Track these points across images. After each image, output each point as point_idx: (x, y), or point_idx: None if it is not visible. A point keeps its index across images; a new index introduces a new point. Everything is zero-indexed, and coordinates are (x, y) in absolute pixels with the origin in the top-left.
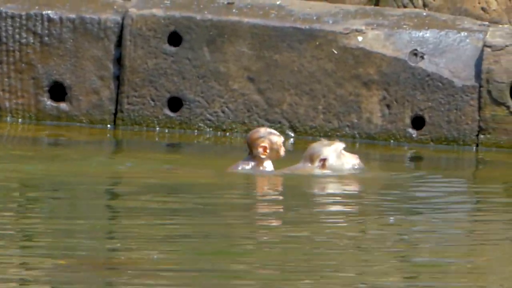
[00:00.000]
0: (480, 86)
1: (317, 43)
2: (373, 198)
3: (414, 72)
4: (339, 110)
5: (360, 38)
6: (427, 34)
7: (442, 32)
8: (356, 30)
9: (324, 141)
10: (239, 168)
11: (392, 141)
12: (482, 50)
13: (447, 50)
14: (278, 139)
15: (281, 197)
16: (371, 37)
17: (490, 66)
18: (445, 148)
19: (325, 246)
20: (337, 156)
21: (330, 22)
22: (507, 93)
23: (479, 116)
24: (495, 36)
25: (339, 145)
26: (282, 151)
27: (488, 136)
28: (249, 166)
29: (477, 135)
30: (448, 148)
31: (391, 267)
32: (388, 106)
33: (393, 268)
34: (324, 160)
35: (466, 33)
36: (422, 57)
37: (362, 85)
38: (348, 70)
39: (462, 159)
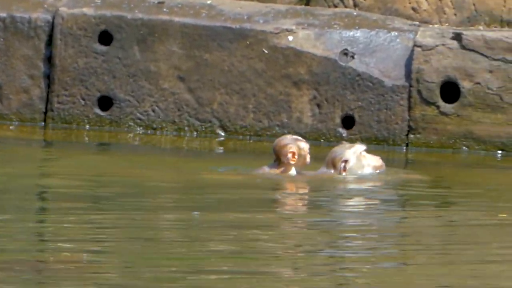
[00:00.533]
0: (410, 86)
1: (248, 42)
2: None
3: (345, 71)
4: (270, 110)
5: (290, 38)
6: (358, 33)
7: (373, 32)
8: (287, 30)
9: (346, 144)
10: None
11: (322, 140)
12: (413, 50)
13: (378, 49)
14: (305, 145)
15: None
16: (301, 37)
17: (420, 65)
18: (375, 148)
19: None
20: (357, 158)
21: (261, 21)
22: (437, 92)
23: (409, 115)
24: (426, 36)
25: (359, 147)
26: (308, 158)
27: (418, 135)
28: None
29: (407, 135)
30: (378, 148)
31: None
32: (318, 105)
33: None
34: (345, 161)
35: (396, 33)
36: (352, 57)
37: (293, 84)
38: (278, 70)
39: (392, 159)
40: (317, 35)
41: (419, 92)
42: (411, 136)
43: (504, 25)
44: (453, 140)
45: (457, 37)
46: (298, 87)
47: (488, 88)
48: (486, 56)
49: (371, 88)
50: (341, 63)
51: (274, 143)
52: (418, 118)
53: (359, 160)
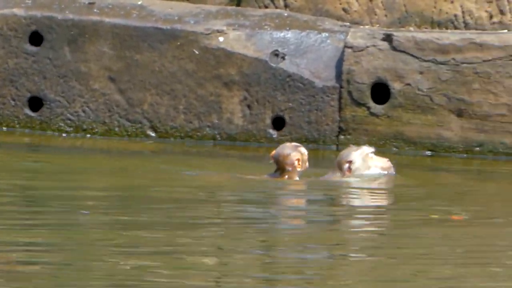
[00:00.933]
0: (341, 87)
1: (178, 43)
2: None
3: (275, 72)
4: (200, 110)
5: (221, 39)
6: (288, 34)
7: (303, 33)
8: (217, 31)
9: (353, 147)
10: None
11: (252, 141)
12: (343, 51)
13: (308, 50)
14: (305, 150)
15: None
16: (232, 38)
17: (351, 67)
18: (306, 148)
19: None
20: (363, 159)
21: (192, 22)
22: (368, 93)
23: (340, 116)
24: (356, 37)
25: (365, 149)
26: (307, 163)
27: (349, 136)
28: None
29: (338, 136)
30: (309, 148)
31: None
32: (249, 106)
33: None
34: (349, 162)
35: (327, 34)
36: (283, 58)
37: (223, 85)
38: (209, 71)
39: (323, 160)
40: (248, 36)
41: (349, 93)
42: (342, 137)
43: (434, 26)
44: (383, 141)
45: (388, 38)
46: (229, 88)
47: (419, 89)
48: (416, 57)
49: (302, 89)
50: (272, 64)
51: (276, 154)
52: (348, 119)
53: (365, 161)
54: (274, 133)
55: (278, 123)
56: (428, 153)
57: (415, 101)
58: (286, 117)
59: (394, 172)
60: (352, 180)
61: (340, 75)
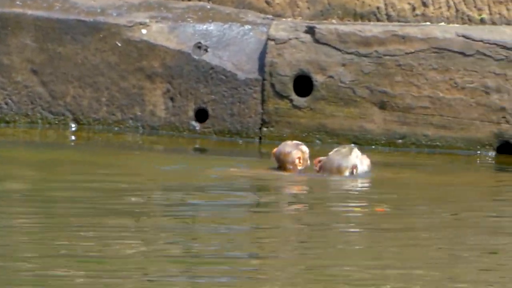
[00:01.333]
0: (264, 79)
1: (101, 35)
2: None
3: (198, 65)
4: (123, 103)
5: (144, 31)
6: (211, 27)
7: (226, 25)
8: (140, 23)
9: (341, 149)
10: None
11: (175, 133)
12: (266, 43)
13: (231, 43)
14: (306, 148)
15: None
16: (155, 30)
17: (274, 59)
18: (229, 141)
19: None
20: (360, 161)
21: (114, 14)
22: (291, 86)
23: (262, 109)
24: (279, 29)
25: (357, 151)
26: (308, 161)
27: (271, 129)
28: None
29: (260, 128)
30: (232, 141)
31: None
32: (171, 99)
33: None
34: (355, 167)
35: (250, 26)
36: (205, 50)
37: (146, 77)
38: (132, 63)
39: (245, 153)
40: (171, 29)
41: (272, 85)
42: (264, 129)
43: (357, 19)
44: (306, 134)
45: (310, 30)
46: (152, 80)
47: (341, 82)
48: (339, 50)
49: (224, 81)
50: (195, 57)
51: (277, 152)
52: (271, 111)
53: (362, 163)
54: (197, 125)
55: (201, 115)
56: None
57: (338, 94)
58: (209, 110)
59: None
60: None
61: (262, 68)
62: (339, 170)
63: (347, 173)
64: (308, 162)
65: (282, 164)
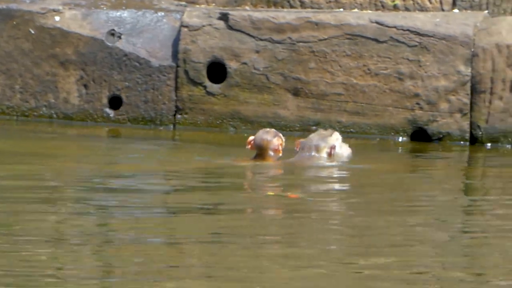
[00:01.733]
0: (177, 66)
1: (14, 22)
2: None
3: (112, 52)
4: (36, 90)
5: (57, 18)
6: (125, 14)
7: (140, 12)
8: (53, 10)
9: (322, 131)
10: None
11: (89, 121)
12: (179, 30)
13: (144, 30)
14: (281, 136)
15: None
16: (68, 17)
17: (187, 46)
18: (143, 128)
19: None
20: (339, 144)
21: (27, 1)
22: (204, 73)
23: (176, 96)
24: (192, 16)
25: (338, 135)
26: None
27: (185, 116)
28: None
29: (174, 115)
30: (146, 128)
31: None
32: (85, 86)
33: None
34: (333, 148)
35: (163, 13)
36: (119, 37)
37: (59, 65)
38: (45, 50)
39: (160, 140)
40: (84, 15)
41: (186, 72)
42: (179, 116)
43: (270, 5)
44: (220, 120)
45: (224, 17)
46: (65, 67)
47: (255, 69)
48: (252, 36)
49: (138, 68)
50: (108, 44)
51: (259, 139)
52: (185, 98)
53: (340, 147)
54: (111, 112)
55: (115, 102)
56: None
57: (252, 80)
58: (123, 97)
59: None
60: (335, 164)
61: (176, 55)
62: (317, 149)
63: (324, 153)
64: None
65: (263, 151)
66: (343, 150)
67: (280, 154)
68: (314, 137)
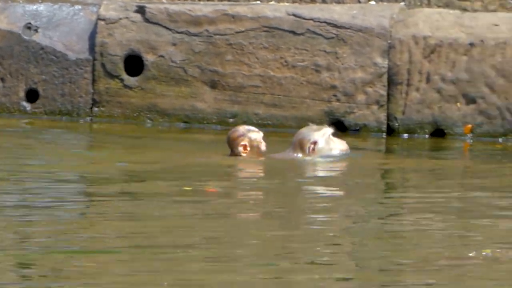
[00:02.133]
0: (94, 59)
1: None
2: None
3: (28, 45)
4: None
5: None
6: (41, 7)
7: (56, 6)
8: None
9: (313, 126)
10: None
11: (6, 114)
12: (96, 24)
13: (61, 23)
14: (257, 135)
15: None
16: None
17: (104, 39)
18: (60, 120)
19: None
20: (326, 140)
21: None
22: (121, 66)
23: (93, 89)
24: (109, 9)
25: (327, 130)
26: (262, 147)
27: (102, 109)
28: None
29: (91, 108)
30: (63, 121)
31: None
32: (2, 79)
33: None
34: (314, 143)
35: (80, 7)
36: (36, 31)
37: None
38: None
39: (76, 133)
40: (1, 9)
41: (103, 65)
42: (96, 109)
43: None
44: (137, 113)
45: (141, 10)
46: None
47: (172, 61)
48: (169, 29)
49: (55, 61)
50: (25, 37)
51: (228, 135)
52: (102, 91)
53: (328, 143)
54: (27, 105)
55: (32, 95)
56: (183, 125)
57: (169, 73)
58: (40, 90)
59: (349, 153)
60: (317, 160)
61: (93, 48)
62: (301, 143)
63: (306, 148)
64: (262, 148)
65: (230, 148)
66: (333, 146)
67: (244, 155)
68: (302, 131)
